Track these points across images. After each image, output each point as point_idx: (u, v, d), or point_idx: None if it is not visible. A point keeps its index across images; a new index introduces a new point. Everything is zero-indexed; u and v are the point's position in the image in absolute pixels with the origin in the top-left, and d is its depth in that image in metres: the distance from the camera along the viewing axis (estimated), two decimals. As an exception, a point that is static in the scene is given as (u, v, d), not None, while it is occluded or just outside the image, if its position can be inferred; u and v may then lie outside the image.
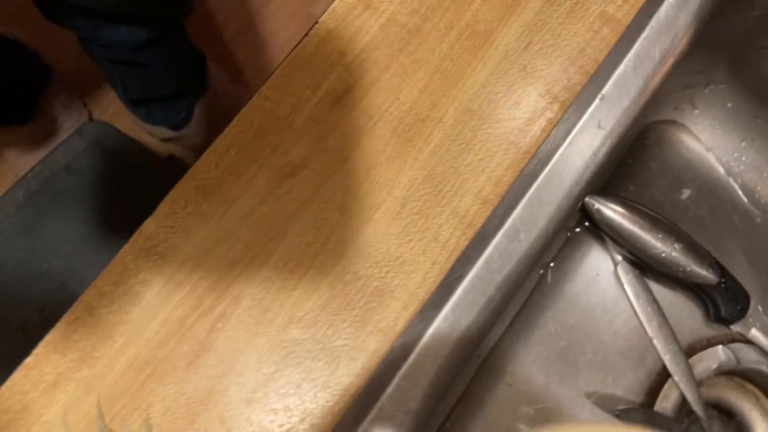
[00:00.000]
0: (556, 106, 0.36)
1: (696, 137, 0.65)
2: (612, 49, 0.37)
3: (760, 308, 0.57)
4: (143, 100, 0.88)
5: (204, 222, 0.34)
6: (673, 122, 0.66)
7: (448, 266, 0.33)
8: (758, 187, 0.63)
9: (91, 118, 0.99)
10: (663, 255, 0.54)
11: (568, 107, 0.36)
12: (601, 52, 0.37)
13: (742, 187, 0.63)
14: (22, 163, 0.88)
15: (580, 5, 0.38)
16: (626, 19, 0.37)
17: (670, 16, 0.38)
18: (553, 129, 0.35)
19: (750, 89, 0.61)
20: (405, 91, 0.36)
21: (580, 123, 0.35)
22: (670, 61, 0.38)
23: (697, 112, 0.67)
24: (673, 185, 0.65)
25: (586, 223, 0.60)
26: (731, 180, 0.64)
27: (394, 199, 0.35)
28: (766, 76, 0.56)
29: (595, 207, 0.56)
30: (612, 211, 0.58)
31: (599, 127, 0.36)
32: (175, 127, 0.93)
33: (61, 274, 0.67)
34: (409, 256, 0.34)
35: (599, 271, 0.66)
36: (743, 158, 0.64)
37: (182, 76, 0.87)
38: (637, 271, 0.62)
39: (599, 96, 0.36)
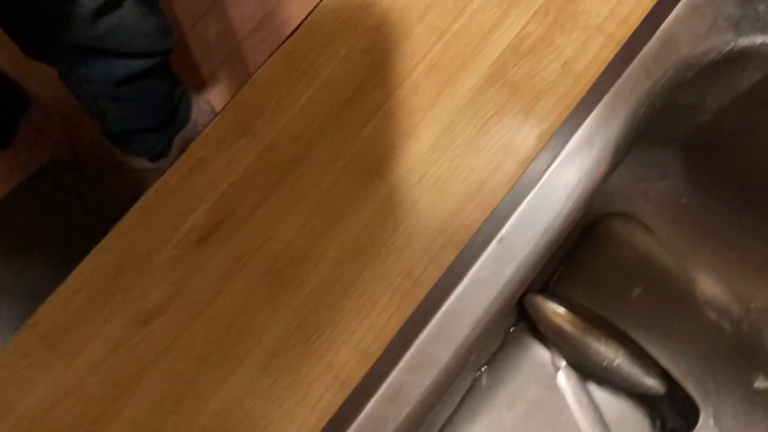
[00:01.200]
0: (448, 251, 0.32)
1: (649, 231, 0.62)
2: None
3: (711, 421, 0.53)
4: (122, 133, 0.89)
5: (46, 373, 0.30)
6: (625, 215, 0.63)
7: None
8: (712, 286, 0.60)
9: (72, 148, 0.98)
10: (605, 363, 0.50)
11: (462, 250, 0.33)
12: (504, 186, 0.35)
13: (695, 286, 0.60)
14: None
15: (481, 135, 0.35)
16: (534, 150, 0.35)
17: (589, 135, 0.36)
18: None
19: (704, 184, 0.58)
20: (282, 227, 0.33)
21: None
22: (589, 184, 0.35)
23: (650, 205, 0.64)
24: (624, 283, 0.62)
25: (526, 323, 0.56)
26: (684, 277, 0.61)
27: (261, 350, 0.31)
28: (720, 172, 0.54)
29: (534, 306, 0.52)
30: (552, 312, 0.55)
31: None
32: (153, 159, 0.94)
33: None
34: (276, 416, 0.30)
35: (539, 376, 0.62)
36: (697, 255, 0.61)
37: (162, 110, 0.89)
38: (580, 377, 0.58)
39: (497, 239, 0.33)
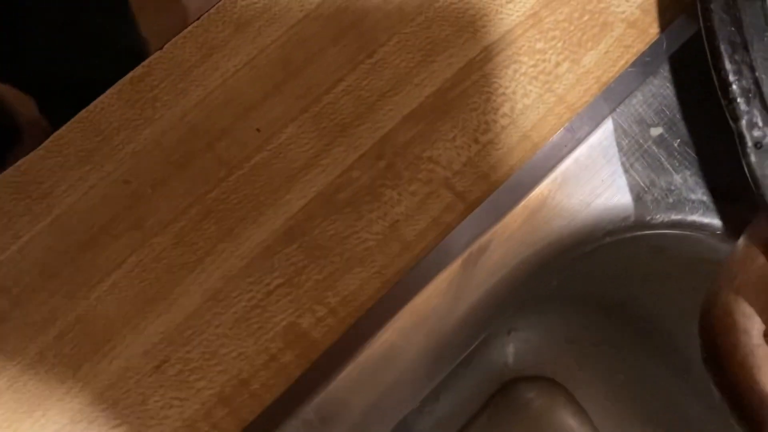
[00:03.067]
0: None
1: (576, 405, 0.52)
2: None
3: None
4: None
5: None
6: (546, 380, 0.53)
7: None
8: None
9: None
10: None
11: None
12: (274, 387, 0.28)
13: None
14: None
15: (258, 312, 0.26)
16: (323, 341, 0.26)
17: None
18: None
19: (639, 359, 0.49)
20: None
21: None
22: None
23: (581, 374, 0.54)
24: None
25: None
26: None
27: None
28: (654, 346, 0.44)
29: None
30: None
31: None
32: None
33: None
34: None
35: None
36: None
37: None
38: None
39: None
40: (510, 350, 0.56)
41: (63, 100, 0.79)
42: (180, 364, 0.29)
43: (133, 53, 0.80)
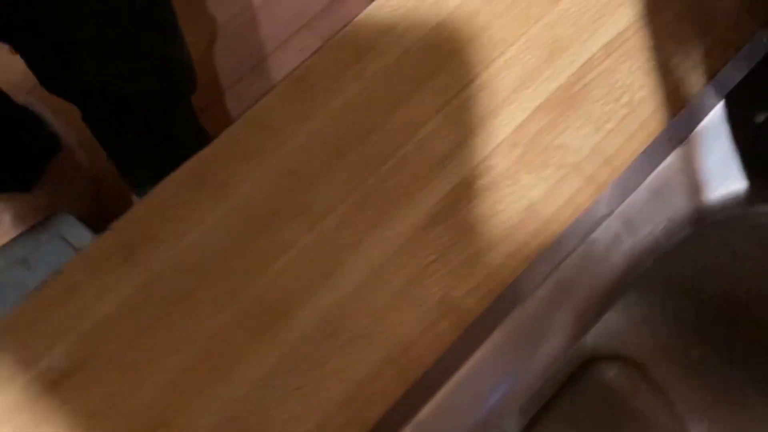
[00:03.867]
0: (353, 428, 0.31)
1: (651, 382, 0.55)
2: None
3: None
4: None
5: None
6: (623, 360, 0.56)
7: None
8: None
9: (94, 200, 0.99)
10: None
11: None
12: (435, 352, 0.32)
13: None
14: (18, 230, 0.86)
15: (415, 285, 0.29)
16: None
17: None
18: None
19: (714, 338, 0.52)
20: (149, 382, 0.27)
21: None
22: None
23: (655, 353, 0.57)
24: None
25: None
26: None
27: None
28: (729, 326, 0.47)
29: None
30: None
31: None
32: None
33: None
34: None
35: None
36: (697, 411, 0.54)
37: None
38: None
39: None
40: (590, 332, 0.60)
41: (106, 111, 0.83)
42: (350, 332, 0.33)
43: (180, 65, 0.84)
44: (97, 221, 0.92)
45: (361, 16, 0.36)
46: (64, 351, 0.31)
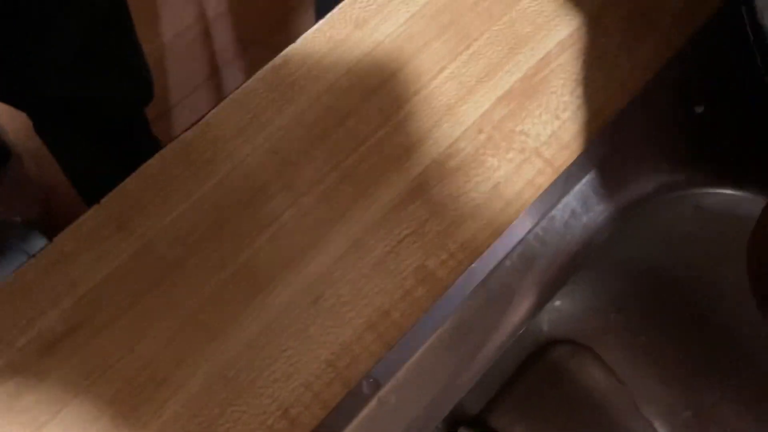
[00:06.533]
0: (335, 389, 0.34)
1: (604, 366, 0.60)
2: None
3: None
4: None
5: None
6: (578, 344, 0.61)
7: None
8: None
9: (47, 207, 1.01)
10: None
11: (352, 389, 0.34)
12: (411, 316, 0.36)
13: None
14: None
15: (393, 256, 0.33)
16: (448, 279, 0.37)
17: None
18: None
19: (661, 322, 0.57)
20: (144, 341, 0.31)
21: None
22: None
23: (607, 337, 0.62)
24: (569, 420, 0.59)
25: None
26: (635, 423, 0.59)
27: None
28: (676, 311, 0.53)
29: None
30: None
31: None
32: None
33: None
34: None
35: None
36: (652, 397, 0.59)
37: None
38: None
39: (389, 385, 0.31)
40: (545, 318, 0.65)
41: (63, 121, 0.85)
42: (333, 298, 0.37)
43: (139, 74, 0.86)
44: (48, 228, 0.93)
45: (335, 11, 0.41)
46: (59, 316, 0.34)
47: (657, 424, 0.58)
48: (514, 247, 0.38)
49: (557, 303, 0.63)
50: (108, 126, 0.86)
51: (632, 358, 0.60)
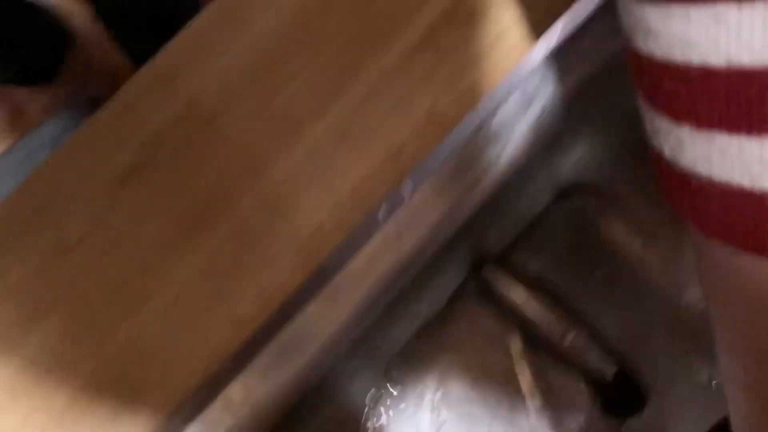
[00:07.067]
0: (355, 207, 0.41)
1: (625, 212, 0.65)
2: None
3: (657, 410, 0.58)
4: None
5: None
6: (601, 190, 0.67)
7: None
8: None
9: (114, 82, 1.11)
10: (557, 341, 0.55)
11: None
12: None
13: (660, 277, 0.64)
14: (43, 119, 1.04)
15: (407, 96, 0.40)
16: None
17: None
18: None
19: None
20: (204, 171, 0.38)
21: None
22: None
23: (629, 186, 0.67)
24: (588, 261, 0.65)
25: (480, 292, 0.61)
26: (651, 267, 0.65)
27: (168, 293, 0.37)
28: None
29: (491, 278, 0.57)
30: (509, 285, 0.59)
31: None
32: None
33: None
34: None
35: (491, 345, 0.66)
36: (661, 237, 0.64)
37: None
38: (530, 348, 0.63)
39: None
40: (568, 164, 0.70)
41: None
42: (356, 136, 0.43)
43: None
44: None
45: None
46: (131, 153, 0.42)
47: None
48: (515, 88, 0.43)
49: (582, 150, 0.68)
50: None
51: (644, 202, 0.65)
